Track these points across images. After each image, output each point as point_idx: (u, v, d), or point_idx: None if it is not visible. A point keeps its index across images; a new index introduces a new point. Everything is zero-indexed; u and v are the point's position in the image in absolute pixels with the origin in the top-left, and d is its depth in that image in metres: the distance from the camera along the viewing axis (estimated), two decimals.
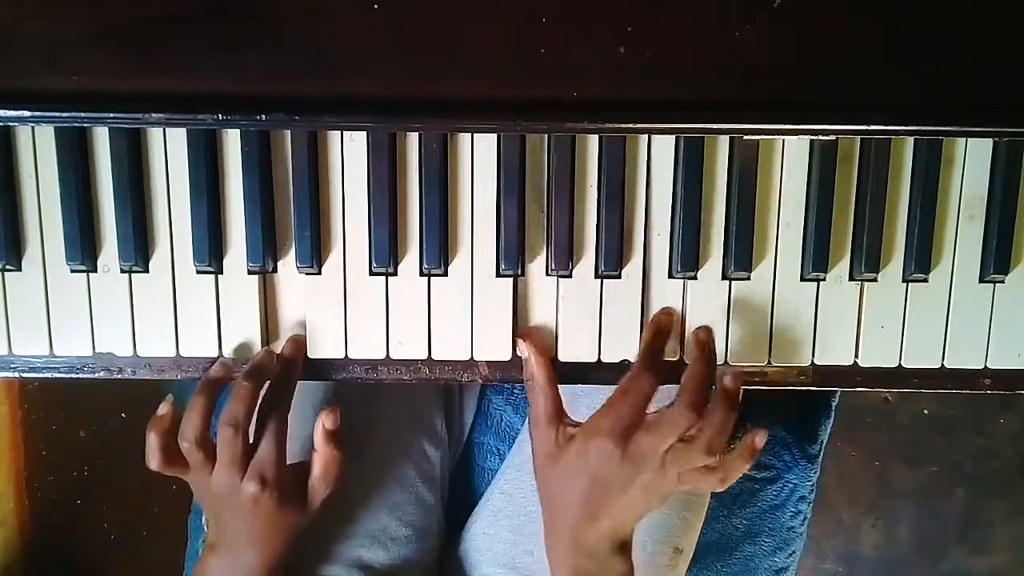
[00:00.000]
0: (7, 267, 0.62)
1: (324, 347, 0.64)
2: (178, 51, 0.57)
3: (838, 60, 0.58)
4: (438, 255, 0.62)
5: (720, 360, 0.63)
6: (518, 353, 0.63)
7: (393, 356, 0.64)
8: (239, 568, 0.64)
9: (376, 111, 0.58)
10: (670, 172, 0.62)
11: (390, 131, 0.61)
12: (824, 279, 0.64)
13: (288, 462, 0.64)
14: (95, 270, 0.62)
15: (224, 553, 0.64)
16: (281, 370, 0.63)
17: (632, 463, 0.59)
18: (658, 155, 0.62)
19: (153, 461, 0.60)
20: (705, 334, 0.63)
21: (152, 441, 0.60)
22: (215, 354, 0.63)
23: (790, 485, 0.85)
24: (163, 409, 0.61)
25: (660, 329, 0.63)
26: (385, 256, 0.62)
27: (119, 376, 0.64)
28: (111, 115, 0.57)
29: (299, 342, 0.63)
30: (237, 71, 0.57)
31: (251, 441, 0.61)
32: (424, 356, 0.64)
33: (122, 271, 0.62)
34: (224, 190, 0.62)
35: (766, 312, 0.64)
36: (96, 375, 0.64)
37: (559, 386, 0.63)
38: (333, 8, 0.56)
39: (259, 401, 0.61)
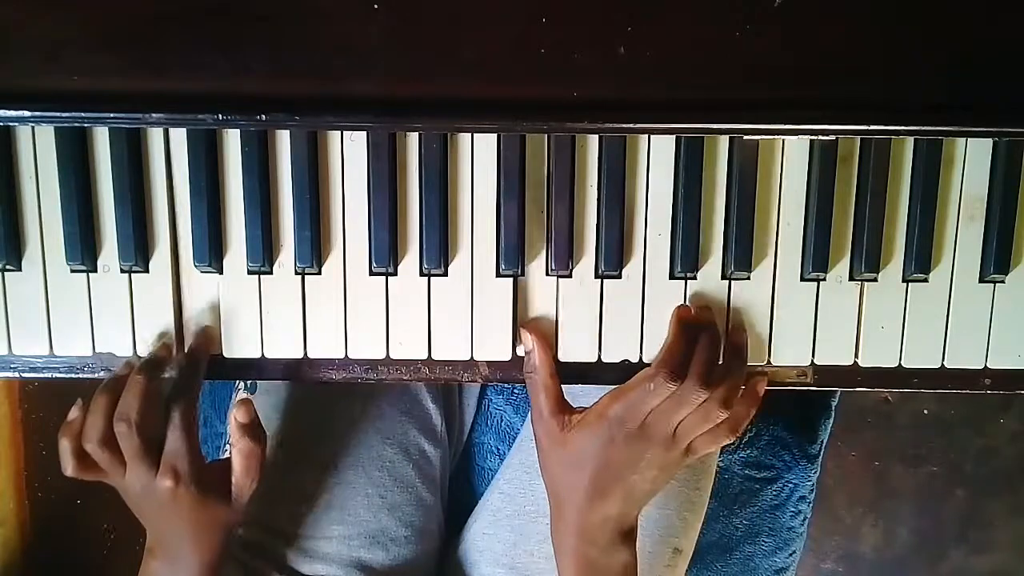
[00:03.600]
0: (7, 267, 0.62)
1: (324, 347, 0.64)
2: (178, 51, 0.57)
3: (838, 60, 0.58)
4: (438, 255, 0.62)
5: (719, 360, 0.63)
6: (521, 345, 0.63)
7: (393, 356, 0.64)
8: (178, 569, 0.63)
9: (376, 111, 0.58)
10: (670, 172, 0.62)
11: (390, 131, 0.61)
12: (824, 279, 0.64)
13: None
14: (95, 270, 0.62)
15: (161, 555, 0.63)
16: (186, 362, 0.62)
17: (644, 439, 0.59)
18: (658, 155, 0.62)
19: (68, 467, 0.59)
20: (707, 312, 0.63)
21: (64, 446, 0.59)
22: (215, 352, 0.63)
23: (790, 485, 0.85)
24: (73, 414, 0.60)
25: (681, 324, 0.62)
26: (385, 256, 0.62)
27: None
28: (111, 115, 0.57)
29: (208, 334, 0.63)
30: (237, 71, 0.57)
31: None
32: (424, 356, 0.64)
33: (122, 271, 0.62)
34: (224, 190, 0.62)
35: (766, 312, 0.64)
36: (96, 375, 0.64)
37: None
38: (333, 8, 0.56)
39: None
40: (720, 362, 0.62)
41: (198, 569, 0.63)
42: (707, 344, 0.60)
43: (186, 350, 0.62)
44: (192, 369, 0.62)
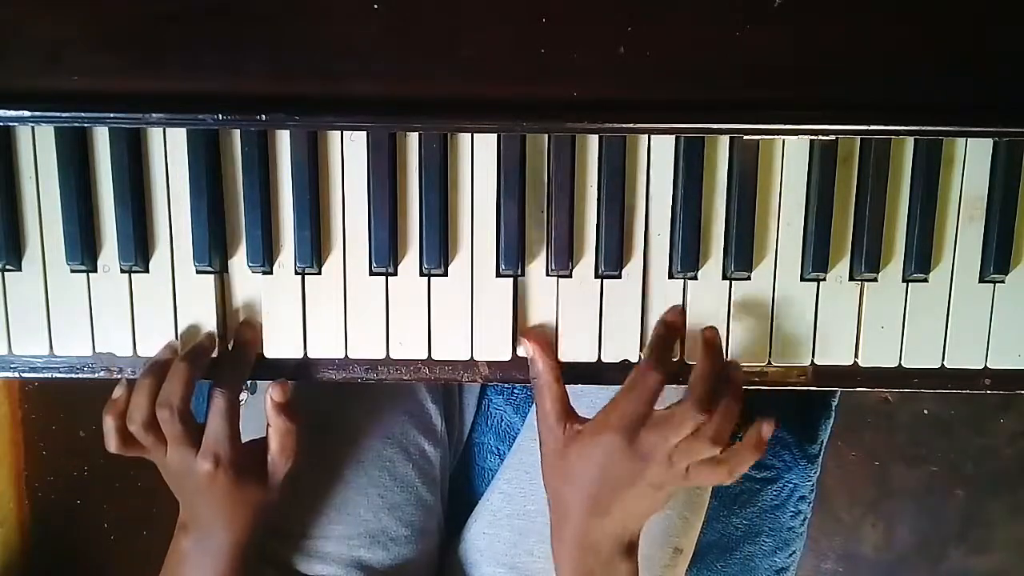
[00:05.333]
0: (7, 267, 0.62)
1: (324, 347, 0.64)
2: (178, 51, 0.57)
3: (838, 60, 0.58)
4: (438, 255, 0.62)
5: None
6: (523, 353, 0.63)
7: (393, 356, 0.64)
8: (209, 546, 0.64)
9: (376, 111, 0.58)
10: (670, 172, 0.62)
11: (390, 131, 0.61)
12: (824, 279, 0.64)
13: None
14: (95, 270, 0.62)
15: (194, 532, 0.65)
16: (233, 351, 0.63)
17: (640, 457, 0.59)
18: (658, 155, 0.62)
19: (111, 443, 0.61)
20: (712, 333, 0.63)
21: (108, 424, 0.61)
22: (216, 354, 0.63)
23: (790, 485, 0.85)
24: (118, 392, 0.62)
25: (668, 326, 0.63)
26: (385, 256, 0.62)
27: (119, 376, 0.64)
28: (111, 115, 0.57)
29: (255, 327, 0.63)
30: (237, 71, 0.57)
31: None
32: (424, 356, 0.64)
33: (122, 271, 0.62)
34: (224, 190, 0.62)
35: (766, 312, 0.64)
36: (96, 375, 0.64)
37: None
38: (333, 8, 0.56)
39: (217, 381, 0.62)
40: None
41: (229, 548, 0.64)
42: (708, 367, 0.59)
43: (233, 341, 0.63)
44: (241, 358, 0.63)
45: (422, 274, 0.63)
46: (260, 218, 0.61)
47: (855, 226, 0.63)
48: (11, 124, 0.60)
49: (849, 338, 0.64)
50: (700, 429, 0.58)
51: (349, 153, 0.62)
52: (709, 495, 0.79)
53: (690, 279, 0.63)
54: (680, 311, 0.64)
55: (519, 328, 0.64)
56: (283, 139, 0.61)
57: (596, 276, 0.63)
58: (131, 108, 0.57)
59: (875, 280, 0.64)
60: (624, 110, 0.58)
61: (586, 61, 0.57)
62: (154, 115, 0.57)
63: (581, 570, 0.62)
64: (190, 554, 0.65)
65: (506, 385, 0.85)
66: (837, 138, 0.61)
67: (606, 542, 0.61)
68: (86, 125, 0.60)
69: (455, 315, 0.63)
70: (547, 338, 0.63)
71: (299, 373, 0.64)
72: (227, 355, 0.63)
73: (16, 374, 0.64)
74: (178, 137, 0.61)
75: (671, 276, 0.63)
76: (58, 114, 0.57)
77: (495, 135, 0.61)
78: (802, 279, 0.64)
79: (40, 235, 0.62)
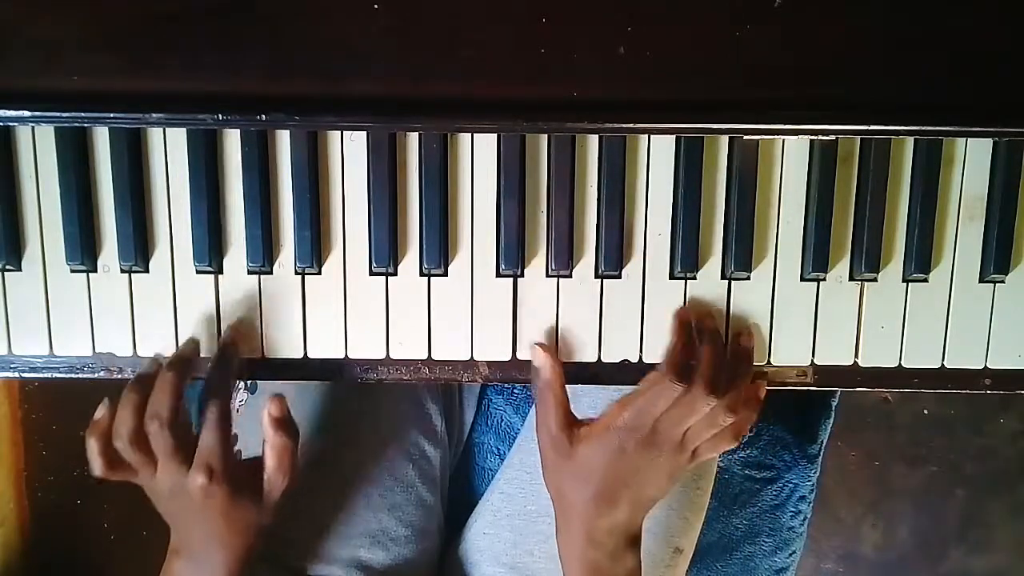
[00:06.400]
0: (7, 267, 0.62)
1: (324, 347, 0.64)
2: (178, 51, 0.57)
3: (838, 60, 0.58)
4: (438, 255, 0.62)
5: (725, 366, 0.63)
6: (535, 360, 0.63)
7: (393, 356, 0.64)
8: (203, 570, 0.62)
9: (376, 111, 0.58)
10: (670, 172, 0.62)
11: (390, 131, 0.61)
12: (824, 279, 0.64)
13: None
14: (95, 270, 0.62)
15: (187, 556, 0.62)
16: (218, 358, 0.61)
17: (654, 445, 0.59)
18: (658, 155, 0.62)
19: (96, 467, 0.59)
20: (710, 319, 0.63)
21: (92, 447, 0.58)
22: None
23: (790, 485, 0.86)
24: (100, 413, 0.59)
25: (684, 327, 0.62)
26: (385, 256, 0.62)
27: (119, 376, 0.64)
28: (111, 115, 0.57)
29: (238, 329, 0.62)
30: (237, 71, 0.57)
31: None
32: (424, 356, 0.64)
33: (122, 271, 0.62)
34: (224, 190, 0.62)
35: (766, 312, 0.64)
36: (96, 375, 0.64)
37: None
38: (333, 8, 0.56)
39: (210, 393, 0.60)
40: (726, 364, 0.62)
41: (223, 570, 0.62)
42: (712, 351, 0.60)
43: (219, 345, 0.62)
44: (224, 365, 0.61)
45: (422, 274, 0.63)
46: (260, 218, 0.61)
47: (855, 226, 0.63)
48: (11, 124, 0.60)
49: (849, 338, 0.64)
50: (714, 408, 0.58)
51: (349, 153, 0.62)
52: (709, 495, 0.79)
53: (690, 279, 0.63)
54: (689, 311, 0.63)
55: (518, 329, 0.64)
56: (283, 139, 0.61)
57: (596, 276, 0.63)
58: (131, 108, 0.57)
59: (875, 280, 0.64)
60: (624, 110, 0.58)
61: (586, 61, 0.57)
62: (154, 115, 0.57)
63: (589, 565, 0.62)
64: None
65: (506, 385, 0.85)
66: (837, 138, 0.61)
67: (614, 535, 0.62)
68: (86, 125, 0.60)
69: (455, 315, 0.63)
70: (554, 349, 0.63)
71: (299, 373, 0.64)
72: (213, 364, 0.61)
73: (16, 374, 0.64)
74: (178, 137, 0.61)
75: (671, 276, 0.63)
76: (58, 114, 0.57)
77: (495, 135, 0.61)
78: (802, 279, 0.64)
79: (40, 235, 0.62)
